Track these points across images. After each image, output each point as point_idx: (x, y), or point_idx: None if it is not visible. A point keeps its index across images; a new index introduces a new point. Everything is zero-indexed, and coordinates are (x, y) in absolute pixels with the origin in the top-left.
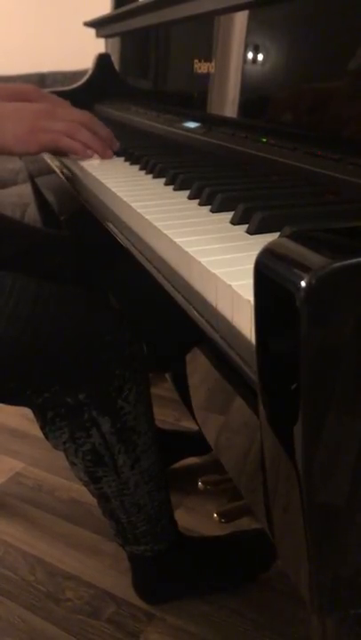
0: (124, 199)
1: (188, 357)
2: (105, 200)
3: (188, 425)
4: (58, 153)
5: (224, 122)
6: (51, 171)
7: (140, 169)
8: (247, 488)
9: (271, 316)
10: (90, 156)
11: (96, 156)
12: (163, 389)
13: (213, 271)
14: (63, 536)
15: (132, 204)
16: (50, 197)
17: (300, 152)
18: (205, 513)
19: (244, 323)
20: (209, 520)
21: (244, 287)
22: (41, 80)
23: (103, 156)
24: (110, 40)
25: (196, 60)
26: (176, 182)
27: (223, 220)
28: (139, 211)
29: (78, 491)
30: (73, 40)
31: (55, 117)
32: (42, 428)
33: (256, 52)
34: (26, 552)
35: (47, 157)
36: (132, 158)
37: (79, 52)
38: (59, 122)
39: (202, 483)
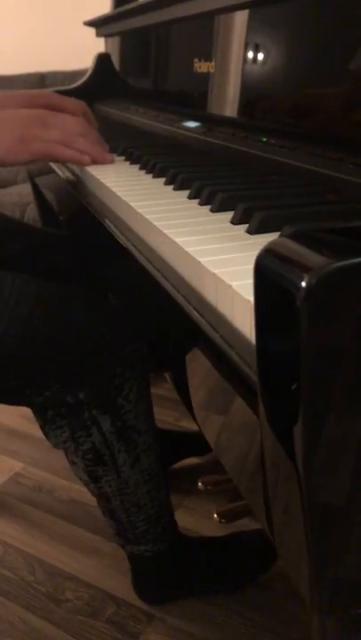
0: (124, 199)
1: (188, 357)
2: (105, 200)
3: (188, 425)
4: (52, 161)
5: (224, 121)
6: (50, 170)
7: (140, 168)
8: (247, 488)
9: (271, 316)
10: (88, 163)
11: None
12: (163, 389)
13: (213, 271)
14: (63, 536)
15: (132, 204)
16: (49, 197)
17: (301, 152)
18: (205, 513)
19: (244, 323)
20: (209, 520)
21: (244, 287)
22: (41, 80)
23: (103, 162)
24: (110, 39)
25: (196, 60)
26: (176, 182)
27: (223, 220)
28: (139, 210)
29: (78, 491)
30: (73, 39)
31: (47, 124)
32: (42, 428)
33: (256, 51)
34: (25, 552)
35: None
36: (131, 158)
37: (79, 51)
38: (52, 130)
39: (202, 483)
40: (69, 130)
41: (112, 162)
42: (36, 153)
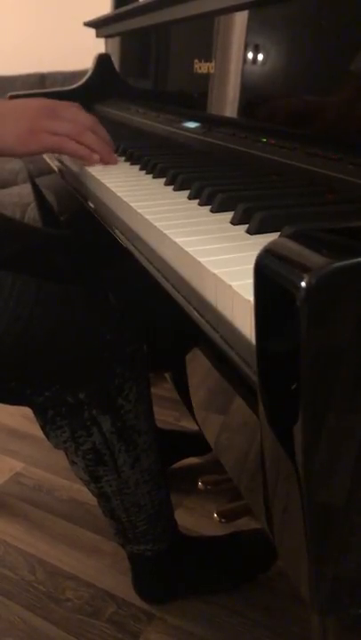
0: (125, 199)
1: (188, 357)
2: (105, 200)
3: (188, 425)
4: (62, 154)
5: (224, 122)
6: (51, 171)
7: (141, 169)
8: (247, 488)
9: (271, 316)
10: (96, 161)
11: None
12: (163, 389)
13: (213, 271)
14: (63, 536)
15: (132, 204)
16: (50, 197)
17: (300, 152)
18: (205, 513)
19: (244, 323)
20: (209, 520)
21: (244, 287)
22: (41, 80)
23: (108, 162)
24: (110, 40)
25: (196, 60)
26: (176, 182)
27: (223, 220)
28: (139, 211)
29: (78, 491)
30: (73, 40)
31: (58, 117)
32: (42, 428)
33: (256, 52)
34: (26, 552)
35: (47, 157)
36: (132, 158)
37: (79, 52)
38: (63, 123)
39: (202, 483)
40: (79, 123)
41: (116, 163)
42: (47, 145)
